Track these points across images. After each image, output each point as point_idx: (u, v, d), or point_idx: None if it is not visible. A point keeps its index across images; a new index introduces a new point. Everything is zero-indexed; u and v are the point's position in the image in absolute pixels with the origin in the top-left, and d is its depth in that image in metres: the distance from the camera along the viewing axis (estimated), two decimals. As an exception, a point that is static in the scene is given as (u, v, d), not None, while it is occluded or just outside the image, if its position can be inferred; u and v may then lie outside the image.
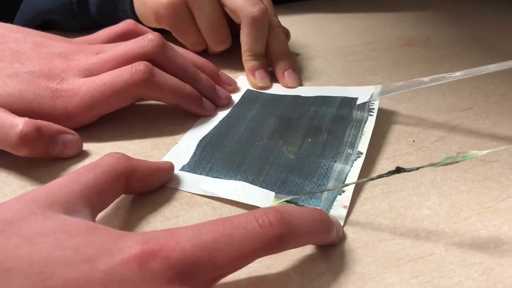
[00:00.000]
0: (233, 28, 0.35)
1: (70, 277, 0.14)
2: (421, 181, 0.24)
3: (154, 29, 0.33)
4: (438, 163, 0.18)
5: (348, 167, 0.24)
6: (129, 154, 0.21)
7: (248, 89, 0.32)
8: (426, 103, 0.31)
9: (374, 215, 0.22)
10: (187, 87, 0.28)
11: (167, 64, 0.27)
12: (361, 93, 0.30)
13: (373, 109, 0.28)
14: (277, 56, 0.33)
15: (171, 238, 0.15)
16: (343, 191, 0.22)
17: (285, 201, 0.22)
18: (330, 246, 0.20)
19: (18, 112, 0.24)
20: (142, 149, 0.26)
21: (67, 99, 0.25)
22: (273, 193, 0.22)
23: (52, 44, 0.28)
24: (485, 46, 0.39)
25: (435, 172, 0.24)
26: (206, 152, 0.25)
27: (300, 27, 0.45)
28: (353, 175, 0.23)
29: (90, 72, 0.26)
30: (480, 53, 0.38)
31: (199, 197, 0.22)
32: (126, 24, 0.32)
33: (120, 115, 0.28)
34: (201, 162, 0.24)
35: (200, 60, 0.31)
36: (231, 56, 0.36)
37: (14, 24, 0.30)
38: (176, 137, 0.27)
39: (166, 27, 0.34)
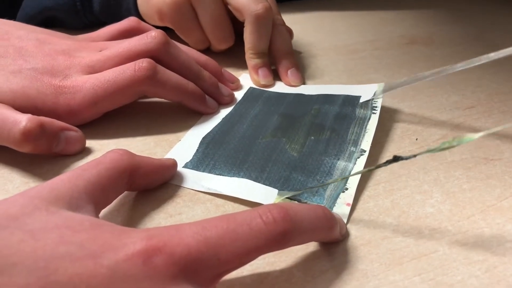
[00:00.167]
0: (236, 26, 0.35)
1: (74, 272, 0.14)
2: (424, 179, 0.24)
3: (158, 27, 0.33)
4: (435, 148, 0.18)
5: (351, 164, 0.24)
6: (132, 151, 0.21)
7: (250, 87, 0.32)
8: (429, 101, 0.31)
9: (377, 213, 0.22)
10: (190, 85, 0.28)
11: (170, 61, 0.27)
12: (364, 91, 0.30)
13: (376, 107, 0.28)
14: (280, 55, 0.33)
15: (175, 234, 0.15)
16: (346, 189, 0.22)
17: (288, 198, 0.22)
18: (334, 244, 0.20)
19: (21, 108, 0.24)
20: (145, 146, 0.26)
21: (70, 95, 0.25)
22: (276, 190, 0.22)
23: (55, 41, 0.28)
24: (488, 45, 0.39)
25: (438, 170, 0.24)
26: (209, 150, 0.25)
27: (302, 25, 0.45)
28: (355, 172, 0.23)
29: (93, 69, 0.26)
30: (482, 52, 0.38)
31: (202, 194, 0.22)
32: (129, 21, 0.32)
33: (123, 112, 0.28)
34: (204, 159, 0.24)
35: (203, 57, 0.31)
36: (234, 54, 0.36)
37: (16, 20, 0.30)
38: (179, 134, 0.27)
39: (169, 25, 0.34)
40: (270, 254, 0.19)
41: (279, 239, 0.16)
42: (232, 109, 0.29)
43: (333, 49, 0.40)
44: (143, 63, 0.25)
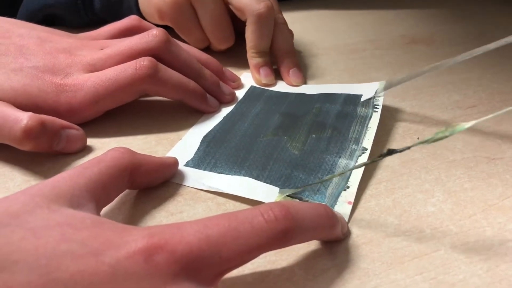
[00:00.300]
0: (237, 25, 0.35)
1: (76, 270, 0.14)
2: (426, 178, 0.24)
3: (158, 26, 0.33)
4: (429, 139, 0.18)
5: (352, 162, 0.24)
6: (133, 149, 0.21)
7: (252, 86, 0.32)
8: (430, 100, 0.31)
9: (378, 212, 0.21)
10: (191, 83, 0.28)
11: (171, 59, 0.27)
12: (365, 90, 0.30)
13: (377, 105, 0.28)
14: (282, 54, 0.33)
15: (176, 232, 0.15)
16: (348, 187, 0.22)
17: (290, 196, 0.22)
18: (335, 242, 0.20)
19: (22, 106, 0.24)
20: (146, 145, 0.26)
21: (71, 94, 0.25)
22: (277, 188, 0.22)
23: (57, 39, 0.28)
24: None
25: (440, 169, 0.24)
26: (210, 148, 0.25)
27: (303, 25, 0.45)
28: (357, 171, 0.23)
29: (94, 68, 0.26)
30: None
31: (203, 192, 0.22)
32: (130, 19, 0.32)
33: (125, 110, 0.28)
34: (205, 158, 0.24)
35: (204, 56, 0.31)
36: (235, 53, 0.36)
37: (17, 18, 0.30)
38: (180, 133, 0.27)
39: (169, 24, 0.34)
40: (272, 252, 0.19)
41: (281, 237, 0.16)
42: (233, 108, 0.29)
43: (334, 49, 0.40)
44: (144, 62, 0.25)
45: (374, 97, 0.29)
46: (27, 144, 0.22)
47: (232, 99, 0.30)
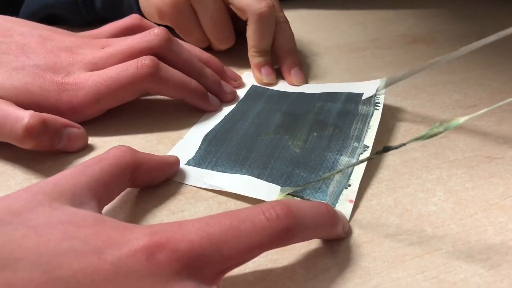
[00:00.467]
0: (238, 24, 0.35)
1: (78, 268, 0.14)
2: (427, 178, 0.24)
3: (160, 25, 0.33)
4: (424, 135, 0.17)
5: (354, 160, 0.24)
6: (135, 148, 0.21)
7: (253, 85, 0.32)
8: (431, 100, 0.31)
9: (380, 211, 0.21)
10: (193, 82, 0.28)
11: (173, 58, 0.27)
12: (366, 89, 0.30)
13: (378, 103, 0.28)
14: (283, 53, 0.33)
15: (178, 231, 0.15)
16: (349, 185, 0.22)
17: (291, 194, 0.22)
18: (336, 241, 0.20)
19: (24, 105, 0.24)
20: (147, 144, 0.26)
21: (73, 92, 0.25)
22: (278, 187, 0.22)
23: (58, 38, 0.28)
24: (490, 44, 0.39)
25: (441, 168, 0.24)
26: (211, 147, 0.25)
27: (304, 24, 0.45)
28: (359, 169, 0.23)
29: (95, 66, 0.26)
30: (484, 51, 0.38)
31: (204, 191, 0.22)
32: (132, 18, 0.32)
33: (126, 109, 0.28)
34: (207, 157, 0.24)
35: (206, 55, 0.31)
36: (236, 52, 0.36)
37: (18, 17, 0.30)
38: (181, 131, 0.27)
39: (169, 24, 0.34)
40: (273, 251, 0.19)
41: (282, 235, 0.16)
42: (235, 107, 0.29)
43: (335, 48, 0.40)
44: (146, 60, 0.25)
45: (375, 95, 0.29)
46: (28, 142, 0.22)
47: (233, 98, 0.30)
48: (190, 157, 0.24)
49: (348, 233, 0.20)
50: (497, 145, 0.26)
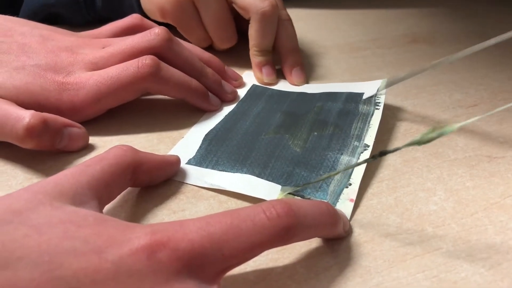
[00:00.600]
0: (239, 23, 0.35)
1: (79, 267, 0.14)
2: (428, 177, 0.24)
3: (161, 23, 0.33)
4: (418, 141, 0.17)
5: (354, 159, 0.24)
6: (135, 148, 0.21)
7: (253, 85, 0.32)
8: (432, 99, 0.31)
9: (380, 210, 0.22)
10: (194, 82, 0.28)
11: (173, 58, 0.27)
12: (367, 88, 0.30)
13: (379, 103, 0.28)
14: (285, 52, 0.33)
15: (179, 230, 0.15)
16: (350, 184, 0.22)
17: (292, 193, 0.22)
18: (337, 240, 0.20)
19: (25, 105, 0.24)
20: (148, 143, 0.26)
21: (74, 92, 0.25)
22: (279, 186, 0.22)
23: (59, 37, 0.28)
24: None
25: (442, 168, 0.24)
26: (212, 146, 0.25)
27: (305, 23, 0.45)
28: (359, 168, 0.23)
29: (96, 66, 0.26)
30: (485, 50, 0.38)
31: (205, 190, 0.22)
32: (132, 18, 0.32)
33: (126, 109, 0.28)
34: (207, 156, 0.24)
35: (206, 54, 0.31)
36: (237, 52, 0.36)
37: (19, 17, 0.30)
38: (182, 131, 0.27)
39: (171, 23, 0.34)
40: (273, 250, 0.19)
41: (283, 234, 0.16)
42: (235, 106, 0.29)
43: (335, 47, 0.40)
44: (146, 60, 0.25)
45: (376, 94, 0.29)
46: (29, 142, 0.22)
47: (234, 97, 0.30)
48: (191, 157, 0.24)
49: (348, 232, 0.20)
50: (498, 145, 0.26)
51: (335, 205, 0.21)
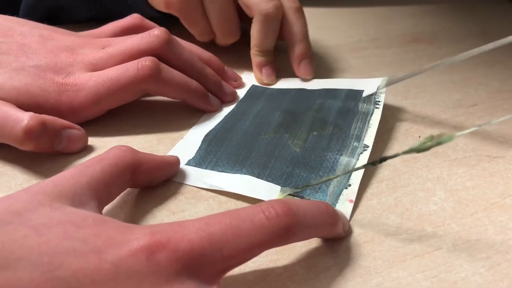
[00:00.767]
0: (242, 21, 0.34)
1: (78, 267, 0.14)
2: (427, 177, 0.24)
3: (165, 14, 0.32)
4: (417, 148, 0.18)
5: (354, 160, 0.24)
6: (135, 148, 0.21)
7: (253, 85, 0.32)
8: (432, 99, 0.31)
9: (380, 210, 0.21)
10: (193, 83, 0.28)
11: (173, 59, 0.27)
12: (367, 86, 0.30)
13: (379, 101, 0.28)
14: (295, 41, 0.32)
15: (178, 230, 0.15)
16: (349, 185, 0.22)
17: (291, 194, 0.22)
18: (337, 241, 0.20)
19: (24, 106, 0.24)
20: (147, 144, 0.26)
21: (73, 93, 0.25)
22: (279, 187, 0.22)
23: (59, 37, 0.28)
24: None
25: (441, 168, 0.24)
26: (211, 147, 0.25)
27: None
28: (361, 169, 0.23)
29: (96, 67, 0.26)
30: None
31: (204, 191, 0.22)
32: (133, 18, 0.32)
33: (126, 109, 0.28)
34: (207, 157, 0.24)
35: (206, 54, 0.31)
36: (236, 52, 0.36)
37: (20, 10, 0.30)
38: (181, 132, 0.27)
39: (175, 14, 0.33)
40: (273, 251, 0.19)
41: (282, 234, 0.16)
42: (235, 107, 0.29)
43: (334, 47, 0.40)
44: (146, 62, 0.25)
45: (375, 93, 0.28)
46: (28, 144, 0.22)
47: (233, 98, 0.30)
48: (190, 157, 0.24)
49: (348, 232, 0.20)
50: (498, 144, 0.26)
51: (335, 206, 0.21)
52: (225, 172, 0.23)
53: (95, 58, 0.27)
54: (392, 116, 0.29)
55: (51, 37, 0.27)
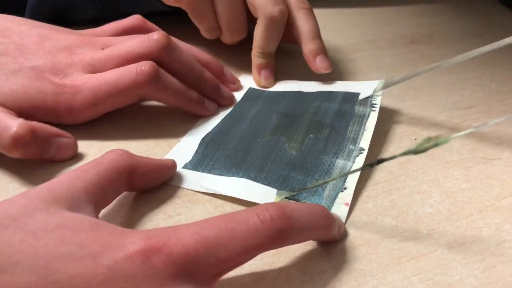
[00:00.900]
0: (248, 20, 0.34)
1: (75, 272, 0.14)
2: (423, 179, 0.24)
3: (173, 8, 0.32)
4: (414, 150, 0.18)
5: (350, 163, 0.24)
6: (132, 152, 0.21)
7: (250, 88, 0.32)
8: (428, 101, 0.31)
9: (376, 213, 0.22)
10: (190, 92, 0.27)
11: (172, 63, 0.27)
12: (363, 88, 0.30)
13: (375, 104, 0.28)
14: (308, 39, 0.31)
15: (174, 235, 0.15)
16: (345, 188, 0.22)
17: (287, 198, 0.22)
18: (332, 244, 0.20)
19: (22, 108, 0.24)
20: (144, 147, 0.26)
21: (71, 96, 0.25)
22: (275, 190, 0.22)
23: (57, 36, 0.27)
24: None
25: (437, 170, 0.24)
26: (208, 150, 0.25)
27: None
28: (357, 171, 0.23)
29: (94, 68, 0.26)
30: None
31: (201, 195, 0.23)
32: (134, 19, 0.31)
33: (123, 113, 0.28)
34: (204, 160, 0.24)
35: (205, 57, 0.31)
36: (234, 54, 0.36)
37: (27, 8, 0.29)
38: (178, 135, 0.27)
39: (184, 7, 0.33)
40: (269, 253, 0.19)
41: (277, 236, 0.16)
42: (232, 110, 0.29)
43: (333, 49, 0.40)
44: (145, 67, 0.25)
45: (372, 95, 0.29)
46: (15, 152, 0.22)
47: (231, 102, 0.30)
48: (187, 161, 0.24)
49: (344, 235, 0.20)
50: (493, 146, 0.26)
51: (331, 209, 0.21)
52: (222, 175, 0.23)
53: (94, 59, 0.26)
54: (388, 119, 0.29)
55: (49, 37, 0.27)
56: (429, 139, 0.17)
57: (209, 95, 0.29)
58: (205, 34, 0.34)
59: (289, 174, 0.23)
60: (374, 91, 0.29)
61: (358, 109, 0.28)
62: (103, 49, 0.28)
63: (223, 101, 0.30)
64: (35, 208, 0.16)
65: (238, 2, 0.32)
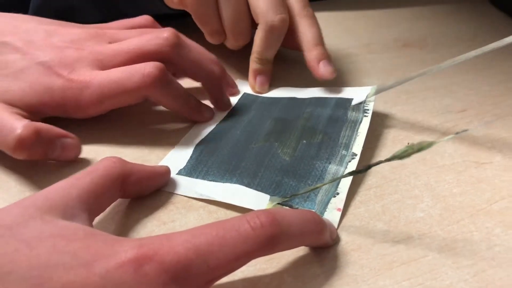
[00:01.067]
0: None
1: (68, 281, 0.14)
2: (415, 184, 0.24)
3: (176, 11, 0.32)
4: (399, 155, 0.18)
5: (342, 168, 0.24)
6: (127, 158, 0.21)
7: (244, 93, 0.32)
8: (421, 105, 0.31)
9: (368, 218, 0.22)
10: (190, 98, 0.28)
11: (180, 62, 0.27)
12: (356, 94, 0.30)
13: (368, 109, 0.28)
14: (310, 45, 0.31)
15: (165, 243, 0.15)
16: (337, 193, 0.22)
17: (280, 203, 0.22)
18: (324, 249, 0.20)
19: (30, 105, 0.24)
20: (139, 154, 0.26)
21: (77, 91, 0.25)
22: (268, 196, 0.22)
23: (64, 31, 0.27)
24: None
25: (429, 174, 0.25)
26: (202, 156, 0.25)
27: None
28: (347, 177, 0.23)
29: (101, 63, 0.26)
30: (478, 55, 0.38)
31: (195, 201, 0.23)
32: (144, 19, 0.31)
33: (118, 119, 0.28)
34: (198, 166, 0.25)
35: (211, 56, 0.30)
36: (232, 58, 0.36)
37: (29, 9, 0.29)
38: (173, 141, 0.27)
39: (188, 10, 0.32)
40: (261, 260, 0.19)
41: (267, 243, 0.16)
42: (226, 115, 0.30)
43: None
44: (152, 69, 0.25)
45: (364, 101, 0.29)
46: (20, 153, 0.22)
47: (228, 108, 0.30)
48: (181, 167, 0.25)
49: (336, 240, 0.20)
50: (485, 150, 0.27)
51: (323, 214, 0.21)
52: (216, 181, 0.23)
53: (102, 53, 0.26)
54: (381, 123, 0.29)
55: (56, 32, 0.27)
56: (412, 146, 0.18)
57: (212, 94, 0.29)
58: (209, 38, 0.33)
59: (282, 180, 0.23)
60: (366, 97, 0.29)
61: (351, 114, 0.28)
62: (110, 42, 0.28)
63: (222, 106, 0.30)
64: (30, 217, 0.16)
65: (243, 6, 0.31)
